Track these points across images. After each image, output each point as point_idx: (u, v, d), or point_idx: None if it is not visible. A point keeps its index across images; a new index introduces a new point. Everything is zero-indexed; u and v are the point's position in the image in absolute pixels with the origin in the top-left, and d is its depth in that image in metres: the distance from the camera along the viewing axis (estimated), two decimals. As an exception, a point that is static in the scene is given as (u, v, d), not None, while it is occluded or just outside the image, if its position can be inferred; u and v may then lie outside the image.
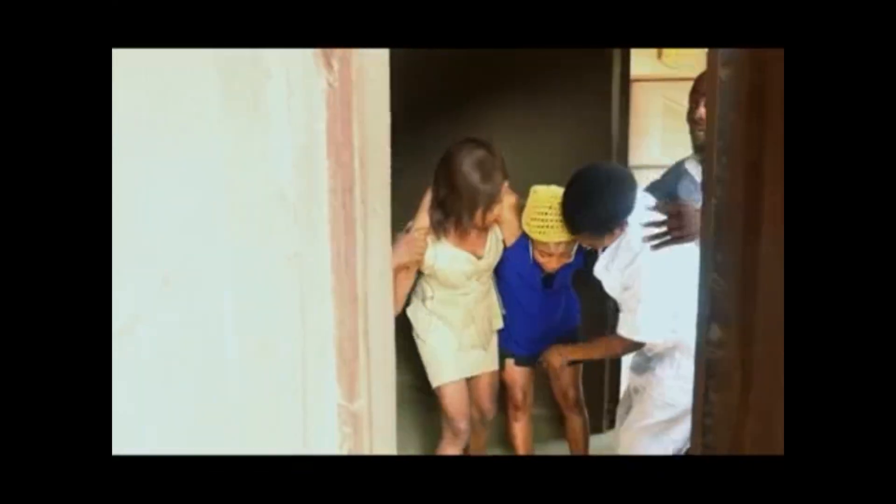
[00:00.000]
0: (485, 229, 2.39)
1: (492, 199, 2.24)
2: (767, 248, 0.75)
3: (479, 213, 2.26)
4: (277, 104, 1.12)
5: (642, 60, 4.34)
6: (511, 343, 2.83)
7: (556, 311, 2.78)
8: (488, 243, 2.45)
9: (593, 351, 2.68)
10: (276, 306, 1.18)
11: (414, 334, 2.61)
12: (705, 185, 0.82)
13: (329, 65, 1.12)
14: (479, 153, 2.19)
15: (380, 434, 1.31)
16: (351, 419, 1.25)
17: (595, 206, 2.17)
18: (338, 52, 1.11)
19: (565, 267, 2.60)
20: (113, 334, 1.10)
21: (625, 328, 2.32)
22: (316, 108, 1.13)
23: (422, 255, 2.28)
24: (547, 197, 2.40)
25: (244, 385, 1.17)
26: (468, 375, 2.71)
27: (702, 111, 2.19)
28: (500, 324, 2.68)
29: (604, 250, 2.42)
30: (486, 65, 3.01)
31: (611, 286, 2.39)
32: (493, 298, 2.63)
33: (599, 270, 2.39)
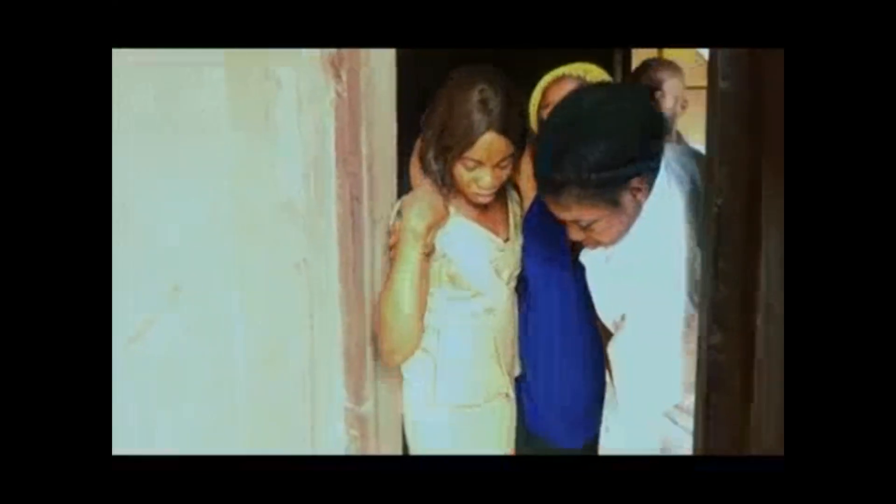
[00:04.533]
0: (495, 195, 1.41)
1: None
2: (767, 255, 0.77)
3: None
4: (287, 114, 1.14)
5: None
6: (542, 411, 1.58)
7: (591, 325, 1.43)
8: (511, 220, 1.50)
9: None
10: (284, 312, 1.20)
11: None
12: (706, 195, 0.85)
13: (338, 75, 1.14)
14: (482, 89, 1.30)
15: (386, 436, 1.34)
16: (358, 422, 1.27)
17: (584, 136, 1.09)
18: (346, 63, 1.13)
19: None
20: (124, 340, 1.12)
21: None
22: (325, 118, 1.16)
23: (445, 214, 1.36)
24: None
25: (253, 389, 1.19)
26: None
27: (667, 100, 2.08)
28: (518, 367, 1.59)
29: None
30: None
31: (603, 297, 1.26)
32: (516, 323, 1.58)
33: (594, 260, 1.25)
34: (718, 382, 0.85)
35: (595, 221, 1.12)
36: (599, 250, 1.19)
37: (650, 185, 1.11)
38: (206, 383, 1.15)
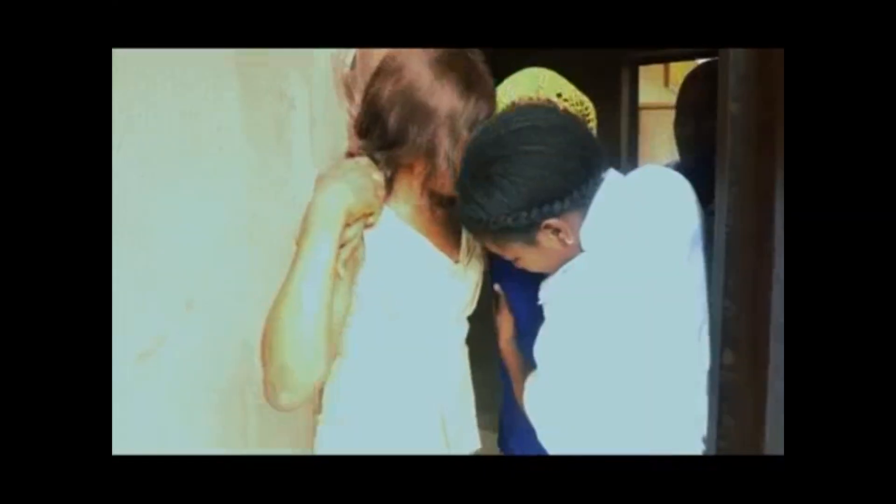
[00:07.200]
0: (447, 215, 1.13)
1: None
2: (777, 274, 0.77)
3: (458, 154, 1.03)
4: (301, 134, 1.15)
5: (649, 89, 4.40)
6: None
7: None
8: (463, 240, 1.18)
9: None
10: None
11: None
12: (716, 214, 0.85)
13: (350, 95, 1.16)
14: (446, 52, 1.02)
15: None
16: (367, 441, 1.26)
17: (484, 180, 0.96)
18: (359, 84, 1.15)
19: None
20: (136, 356, 1.13)
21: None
22: (338, 137, 1.17)
23: (375, 204, 1.01)
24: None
25: (264, 405, 1.19)
26: None
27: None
28: (477, 443, 1.28)
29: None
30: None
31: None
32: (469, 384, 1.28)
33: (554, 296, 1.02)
34: (731, 403, 0.85)
35: (517, 259, 1.02)
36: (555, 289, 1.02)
37: (578, 217, 0.95)
38: (218, 398, 1.15)
